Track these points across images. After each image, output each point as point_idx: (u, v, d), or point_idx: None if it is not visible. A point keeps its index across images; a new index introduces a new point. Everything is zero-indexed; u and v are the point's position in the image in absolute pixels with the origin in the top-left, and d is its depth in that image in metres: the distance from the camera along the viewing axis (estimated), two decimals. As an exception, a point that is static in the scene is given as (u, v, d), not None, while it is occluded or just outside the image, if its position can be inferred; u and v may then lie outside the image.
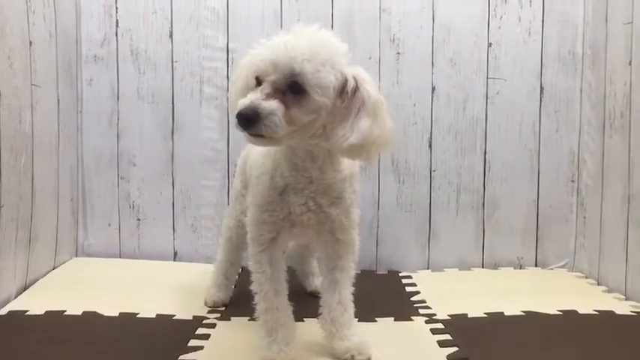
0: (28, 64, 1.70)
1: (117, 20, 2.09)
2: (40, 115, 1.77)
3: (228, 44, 2.08)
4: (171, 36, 2.09)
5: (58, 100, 1.93)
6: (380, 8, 2.07)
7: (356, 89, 1.10)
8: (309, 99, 1.06)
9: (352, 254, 1.30)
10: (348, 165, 1.25)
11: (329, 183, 1.21)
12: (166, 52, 2.09)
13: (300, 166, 1.19)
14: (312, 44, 1.06)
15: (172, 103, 2.10)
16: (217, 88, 2.09)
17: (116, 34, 2.09)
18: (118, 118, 2.11)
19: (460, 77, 2.08)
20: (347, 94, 1.09)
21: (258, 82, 1.09)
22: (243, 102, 1.05)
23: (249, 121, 1.03)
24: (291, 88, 1.06)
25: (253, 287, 1.26)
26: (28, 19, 1.69)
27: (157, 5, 2.08)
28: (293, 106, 1.06)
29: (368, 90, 1.09)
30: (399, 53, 2.07)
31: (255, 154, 1.37)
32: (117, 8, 2.08)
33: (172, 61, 2.09)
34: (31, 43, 1.71)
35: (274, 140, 1.08)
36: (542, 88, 2.08)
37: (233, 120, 1.07)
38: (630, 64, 1.73)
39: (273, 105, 1.04)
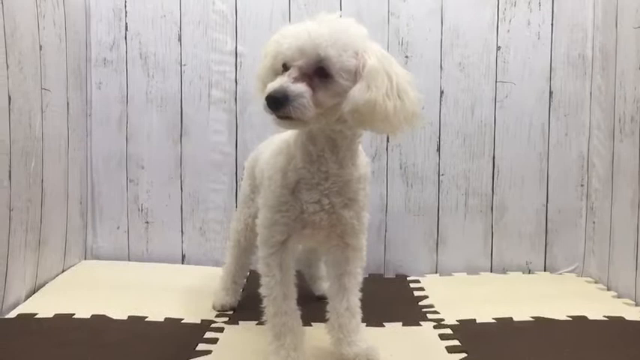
0: (38, 68, 1.71)
1: (126, 24, 2.10)
2: (49, 118, 1.78)
3: (236, 48, 2.08)
4: (179, 39, 2.09)
5: (68, 104, 1.94)
6: (389, 11, 2.07)
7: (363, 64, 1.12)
8: (334, 82, 1.09)
9: (360, 260, 1.29)
10: (363, 164, 1.26)
11: (345, 180, 1.21)
12: (175, 56, 2.10)
13: (317, 159, 1.19)
14: (334, 31, 1.09)
15: (181, 106, 2.11)
16: (226, 91, 2.09)
17: (125, 38, 2.10)
18: (127, 122, 2.11)
19: (469, 81, 2.08)
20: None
21: (285, 68, 1.11)
22: (272, 85, 1.08)
23: (279, 103, 1.06)
24: (317, 72, 1.09)
25: (262, 291, 1.26)
26: (38, 24, 1.70)
27: (165, 9, 2.09)
28: (319, 90, 1.09)
29: (365, 58, 1.11)
30: (407, 57, 2.07)
31: (265, 156, 1.37)
32: (126, 12, 2.09)
33: (181, 65, 2.10)
34: (41, 47, 1.72)
35: (302, 123, 1.10)
36: (551, 92, 2.07)
37: (261, 102, 1.09)
38: (640, 68, 1.72)
39: (302, 88, 1.07)
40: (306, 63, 1.08)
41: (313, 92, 1.08)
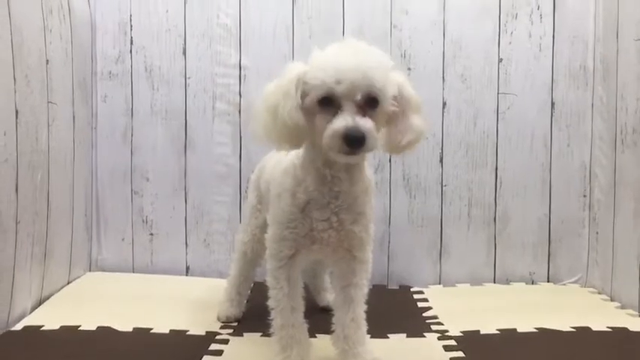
0: (45, 82, 1.73)
1: (131, 37, 2.12)
2: (55, 132, 1.79)
3: (240, 61, 2.10)
4: (184, 53, 2.11)
5: (74, 117, 1.95)
6: (391, 24, 2.09)
7: (402, 92, 1.17)
8: (383, 110, 1.13)
9: (366, 272, 1.30)
10: (368, 176, 1.27)
11: (355, 196, 1.23)
12: (180, 69, 2.12)
13: (330, 180, 1.20)
14: (378, 61, 1.13)
15: (185, 119, 2.12)
16: (230, 104, 2.11)
17: (130, 52, 2.12)
18: (132, 134, 2.13)
19: (471, 92, 2.09)
20: (395, 98, 1.16)
21: (325, 101, 1.11)
22: (347, 124, 1.07)
23: (360, 142, 1.08)
24: (367, 103, 1.11)
25: (270, 303, 1.27)
26: (45, 38, 1.72)
27: (170, 23, 2.11)
28: (372, 119, 1.12)
29: (410, 91, 1.17)
30: (409, 69, 2.08)
31: (270, 170, 1.39)
32: (131, 26, 2.12)
33: (186, 78, 2.12)
34: (47, 61, 1.74)
35: (364, 155, 1.16)
36: (553, 103, 2.08)
37: (336, 142, 1.08)
38: (641, 79, 1.74)
39: (369, 123, 1.10)
40: (361, 96, 1.10)
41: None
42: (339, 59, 1.11)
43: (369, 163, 1.31)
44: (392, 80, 1.14)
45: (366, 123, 1.09)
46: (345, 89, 1.09)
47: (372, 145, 1.10)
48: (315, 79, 1.11)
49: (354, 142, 1.07)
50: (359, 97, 1.10)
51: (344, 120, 1.08)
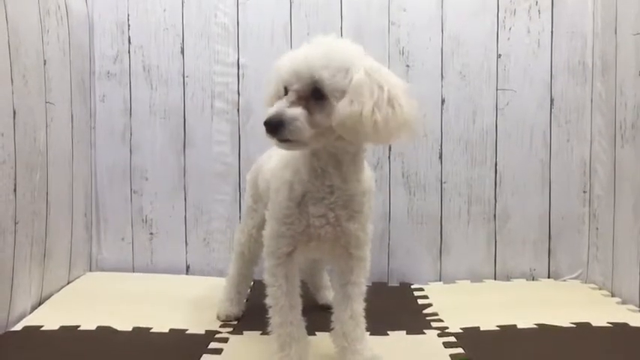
0: (43, 82, 1.73)
1: (129, 37, 2.12)
2: (54, 132, 1.79)
3: (238, 59, 2.10)
4: (182, 52, 2.11)
5: (72, 117, 1.95)
6: (389, 21, 2.08)
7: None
8: (329, 103, 1.12)
9: (364, 269, 1.30)
10: (368, 179, 1.27)
11: (350, 195, 1.23)
12: (178, 68, 2.12)
13: (321, 173, 1.21)
14: (328, 52, 1.13)
15: (184, 118, 2.12)
16: (228, 102, 2.11)
17: (128, 51, 2.12)
18: (131, 134, 2.13)
19: (470, 89, 2.09)
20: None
21: (286, 91, 1.15)
22: (270, 111, 1.12)
23: (275, 128, 1.10)
24: (313, 95, 1.12)
25: (268, 301, 1.27)
26: (42, 39, 1.72)
27: (168, 22, 2.11)
28: (316, 111, 1.12)
29: (352, 75, 1.13)
30: (408, 66, 2.08)
31: (268, 168, 1.39)
32: (129, 25, 2.12)
33: (184, 77, 2.12)
34: (45, 61, 1.74)
35: (301, 143, 1.13)
36: (552, 99, 2.08)
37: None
38: (640, 74, 1.73)
39: (296, 112, 1.10)
40: (302, 86, 1.12)
41: (310, 114, 1.11)
42: (296, 53, 1.16)
43: (368, 161, 1.31)
44: (348, 74, 1.11)
45: (293, 111, 1.10)
46: (288, 78, 1.13)
47: (293, 134, 1.10)
48: (276, 70, 1.18)
49: (269, 128, 1.10)
50: (298, 86, 1.12)
51: (273, 107, 1.12)
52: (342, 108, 1.11)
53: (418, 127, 1.18)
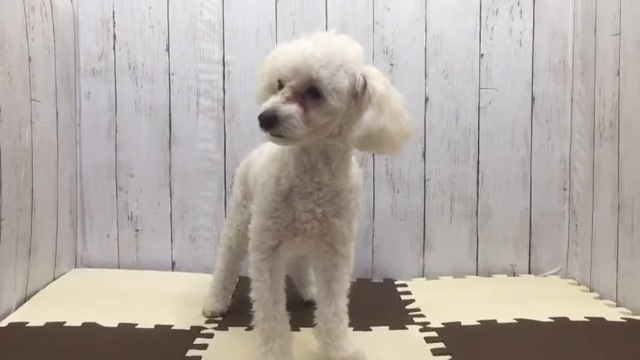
0: (28, 79, 1.73)
1: (114, 34, 2.12)
2: (39, 129, 1.79)
3: (224, 57, 2.11)
4: (168, 49, 2.12)
5: (57, 114, 1.95)
6: (374, 20, 2.10)
7: (364, 87, 1.14)
8: (326, 103, 1.12)
9: (348, 266, 1.32)
10: (356, 175, 1.29)
11: (338, 190, 1.24)
12: (163, 65, 2.12)
13: (310, 169, 1.22)
14: (328, 51, 1.12)
15: (169, 115, 2.13)
16: (214, 100, 2.12)
17: (114, 48, 2.12)
18: (116, 131, 2.13)
19: (453, 88, 2.11)
20: (358, 94, 1.14)
21: (280, 85, 1.15)
22: (265, 105, 1.12)
23: (269, 123, 1.10)
24: (310, 92, 1.12)
25: (252, 295, 1.28)
26: (27, 35, 1.72)
27: (153, 19, 2.11)
28: (311, 109, 1.12)
29: (373, 85, 1.13)
30: (392, 64, 2.10)
31: (259, 163, 1.40)
32: (114, 22, 2.11)
33: (169, 74, 2.12)
34: (30, 58, 1.74)
35: (293, 140, 1.13)
36: (533, 98, 2.11)
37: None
38: (619, 74, 1.77)
39: (292, 109, 1.10)
40: (299, 83, 1.11)
41: (305, 111, 1.11)
42: (294, 47, 1.14)
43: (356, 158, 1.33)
44: (347, 74, 1.12)
45: (288, 108, 1.10)
46: (285, 73, 1.12)
47: (287, 131, 1.09)
48: (270, 63, 1.17)
49: (262, 122, 1.10)
50: (294, 82, 1.11)
51: (268, 102, 1.12)
52: (371, 120, 1.11)
53: (415, 138, 1.20)
